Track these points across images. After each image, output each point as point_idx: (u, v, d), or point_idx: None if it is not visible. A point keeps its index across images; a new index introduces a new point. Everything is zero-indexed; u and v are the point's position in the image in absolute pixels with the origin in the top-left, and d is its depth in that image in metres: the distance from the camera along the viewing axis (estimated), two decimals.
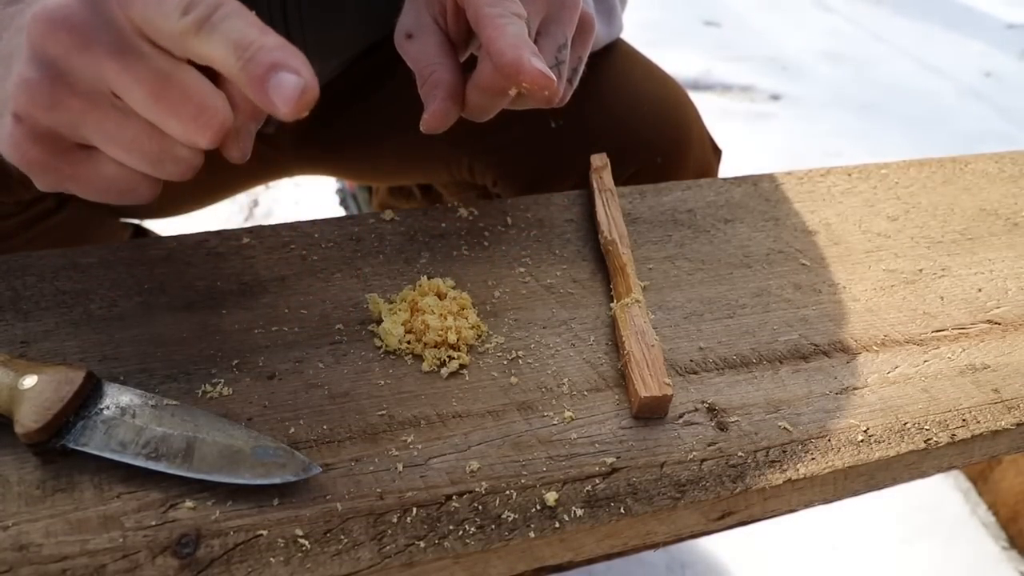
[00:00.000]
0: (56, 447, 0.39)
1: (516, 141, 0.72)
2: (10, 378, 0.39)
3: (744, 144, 1.92)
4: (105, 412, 0.40)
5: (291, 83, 0.34)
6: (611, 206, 0.59)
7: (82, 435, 0.39)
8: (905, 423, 0.47)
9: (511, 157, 0.74)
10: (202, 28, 0.34)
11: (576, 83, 0.55)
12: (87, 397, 0.40)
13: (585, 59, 0.56)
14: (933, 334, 0.53)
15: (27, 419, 0.38)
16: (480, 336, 0.49)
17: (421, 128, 0.50)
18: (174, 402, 0.41)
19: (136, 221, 0.90)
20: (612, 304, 0.52)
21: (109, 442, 0.39)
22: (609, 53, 0.73)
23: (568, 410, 0.45)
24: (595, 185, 0.61)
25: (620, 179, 0.65)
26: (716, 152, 0.79)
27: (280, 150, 0.77)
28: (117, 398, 0.41)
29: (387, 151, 0.80)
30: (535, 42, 0.50)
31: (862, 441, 0.45)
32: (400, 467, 0.41)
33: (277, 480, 0.38)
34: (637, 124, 0.71)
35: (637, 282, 0.52)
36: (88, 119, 0.36)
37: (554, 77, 0.45)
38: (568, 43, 0.52)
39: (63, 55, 0.34)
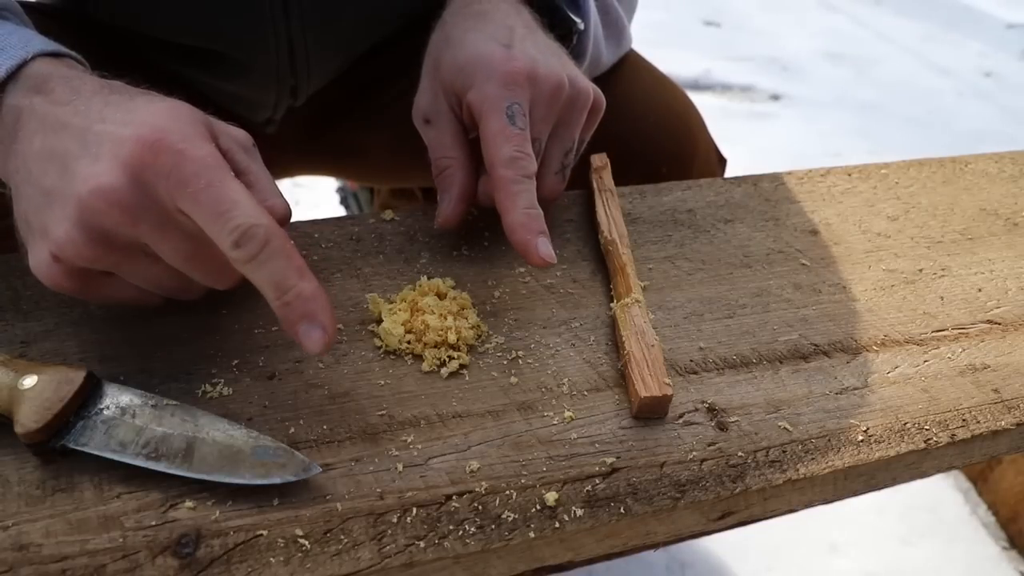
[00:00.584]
0: (56, 447, 0.39)
1: None
2: (10, 378, 0.39)
3: (744, 144, 1.92)
4: (105, 412, 0.40)
5: (317, 337, 0.39)
6: (611, 206, 0.59)
7: (82, 435, 0.39)
8: (905, 423, 0.47)
9: None
10: (250, 262, 0.38)
11: (573, 163, 0.58)
12: (87, 397, 0.40)
13: (587, 139, 0.59)
14: (933, 334, 0.54)
15: (27, 419, 0.38)
16: (480, 336, 0.49)
17: (435, 225, 0.55)
18: (174, 402, 0.41)
19: None
20: (612, 304, 0.52)
21: (109, 442, 0.39)
22: (618, 63, 0.73)
23: (568, 410, 0.45)
24: (595, 185, 0.61)
25: (624, 186, 0.65)
26: (721, 161, 0.79)
27: (281, 150, 0.77)
28: (117, 398, 0.41)
29: (389, 152, 0.80)
30: (546, 148, 0.54)
31: (862, 441, 0.45)
32: (400, 467, 0.41)
33: (277, 480, 0.38)
34: (643, 134, 0.71)
35: (637, 282, 0.52)
36: (122, 266, 0.41)
37: (554, 259, 0.50)
38: (575, 144, 0.56)
39: (111, 227, 0.38)
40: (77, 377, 0.40)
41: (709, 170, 0.76)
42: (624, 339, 0.48)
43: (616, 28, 0.70)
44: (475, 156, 0.54)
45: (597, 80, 0.58)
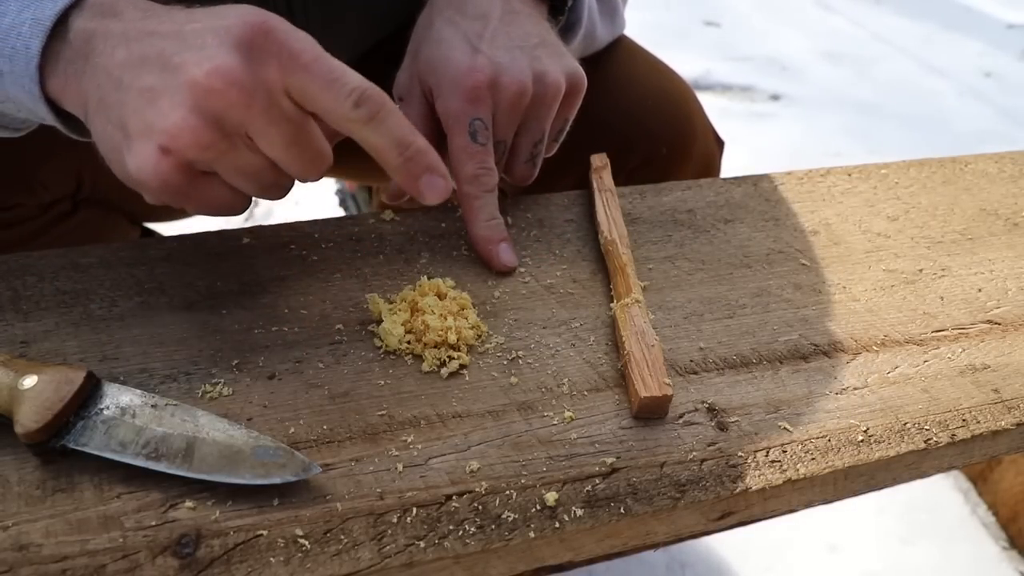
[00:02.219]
0: (56, 447, 0.39)
1: None
2: (10, 378, 0.39)
3: (744, 144, 1.92)
4: (105, 412, 0.40)
5: (442, 186, 0.45)
6: (611, 206, 0.59)
7: (82, 435, 0.39)
8: (905, 423, 0.47)
9: None
10: (370, 122, 0.41)
11: (559, 142, 0.60)
12: (87, 397, 0.40)
13: (572, 119, 0.60)
14: (933, 334, 0.53)
15: (27, 419, 0.38)
16: (480, 336, 0.49)
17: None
18: (174, 402, 0.41)
19: (144, 223, 0.90)
20: (612, 304, 0.52)
21: (109, 442, 0.39)
22: (612, 49, 0.74)
23: (568, 410, 0.45)
24: (595, 185, 0.61)
25: (625, 170, 0.65)
26: (719, 143, 0.79)
27: None
28: (117, 398, 0.41)
29: None
30: (514, 141, 0.57)
31: (862, 441, 0.45)
32: (400, 467, 0.41)
33: (277, 480, 0.38)
34: (641, 116, 0.72)
35: (637, 282, 0.52)
36: (227, 157, 0.41)
37: (515, 263, 0.55)
38: (545, 136, 0.58)
39: (225, 109, 0.39)
40: (77, 377, 0.40)
41: (708, 151, 0.76)
42: (624, 339, 0.48)
43: (610, 6, 0.70)
44: (439, 134, 0.56)
45: (592, 62, 0.59)
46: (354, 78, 0.41)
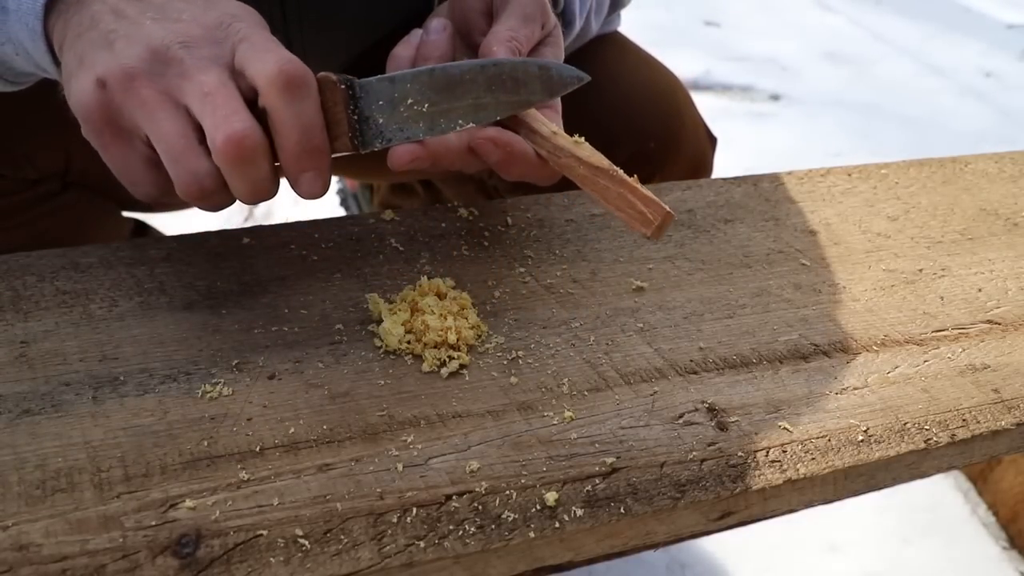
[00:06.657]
0: (367, 152, 0.46)
1: None
2: None
3: (744, 144, 1.92)
4: (380, 104, 0.46)
5: (319, 187, 0.49)
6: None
7: (380, 135, 0.46)
8: (905, 423, 0.47)
9: None
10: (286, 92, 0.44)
11: None
12: (354, 99, 0.46)
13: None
14: (933, 334, 0.53)
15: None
16: (480, 336, 0.49)
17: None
18: (432, 66, 0.46)
19: (137, 215, 0.90)
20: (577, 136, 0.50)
21: (403, 129, 0.46)
22: (601, 44, 0.74)
23: (568, 410, 0.45)
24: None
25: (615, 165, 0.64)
26: (711, 140, 0.79)
27: None
28: (377, 92, 0.46)
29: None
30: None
31: (862, 441, 0.45)
32: (400, 467, 0.41)
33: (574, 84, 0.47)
34: (628, 111, 0.72)
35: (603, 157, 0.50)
36: (148, 109, 0.43)
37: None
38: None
39: (166, 68, 0.43)
40: (331, 84, 0.45)
41: (699, 148, 0.76)
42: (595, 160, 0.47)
43: None
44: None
45: (579, 56, 0.58)
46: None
